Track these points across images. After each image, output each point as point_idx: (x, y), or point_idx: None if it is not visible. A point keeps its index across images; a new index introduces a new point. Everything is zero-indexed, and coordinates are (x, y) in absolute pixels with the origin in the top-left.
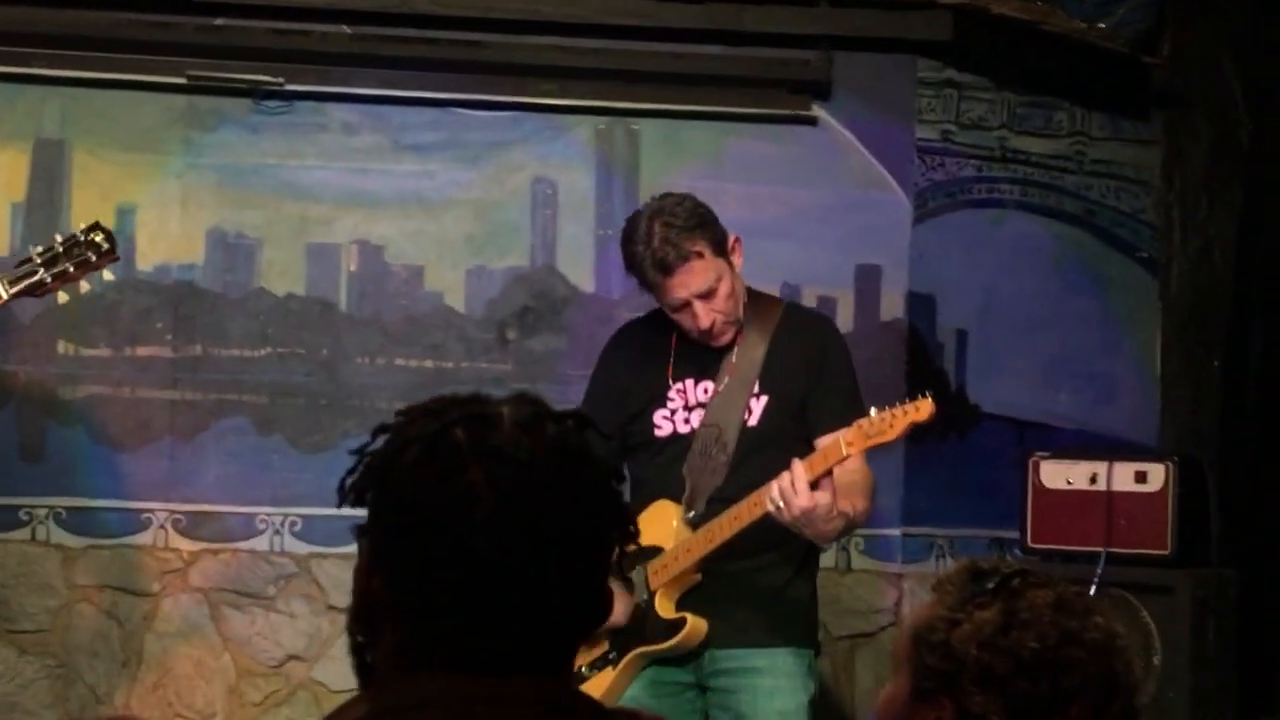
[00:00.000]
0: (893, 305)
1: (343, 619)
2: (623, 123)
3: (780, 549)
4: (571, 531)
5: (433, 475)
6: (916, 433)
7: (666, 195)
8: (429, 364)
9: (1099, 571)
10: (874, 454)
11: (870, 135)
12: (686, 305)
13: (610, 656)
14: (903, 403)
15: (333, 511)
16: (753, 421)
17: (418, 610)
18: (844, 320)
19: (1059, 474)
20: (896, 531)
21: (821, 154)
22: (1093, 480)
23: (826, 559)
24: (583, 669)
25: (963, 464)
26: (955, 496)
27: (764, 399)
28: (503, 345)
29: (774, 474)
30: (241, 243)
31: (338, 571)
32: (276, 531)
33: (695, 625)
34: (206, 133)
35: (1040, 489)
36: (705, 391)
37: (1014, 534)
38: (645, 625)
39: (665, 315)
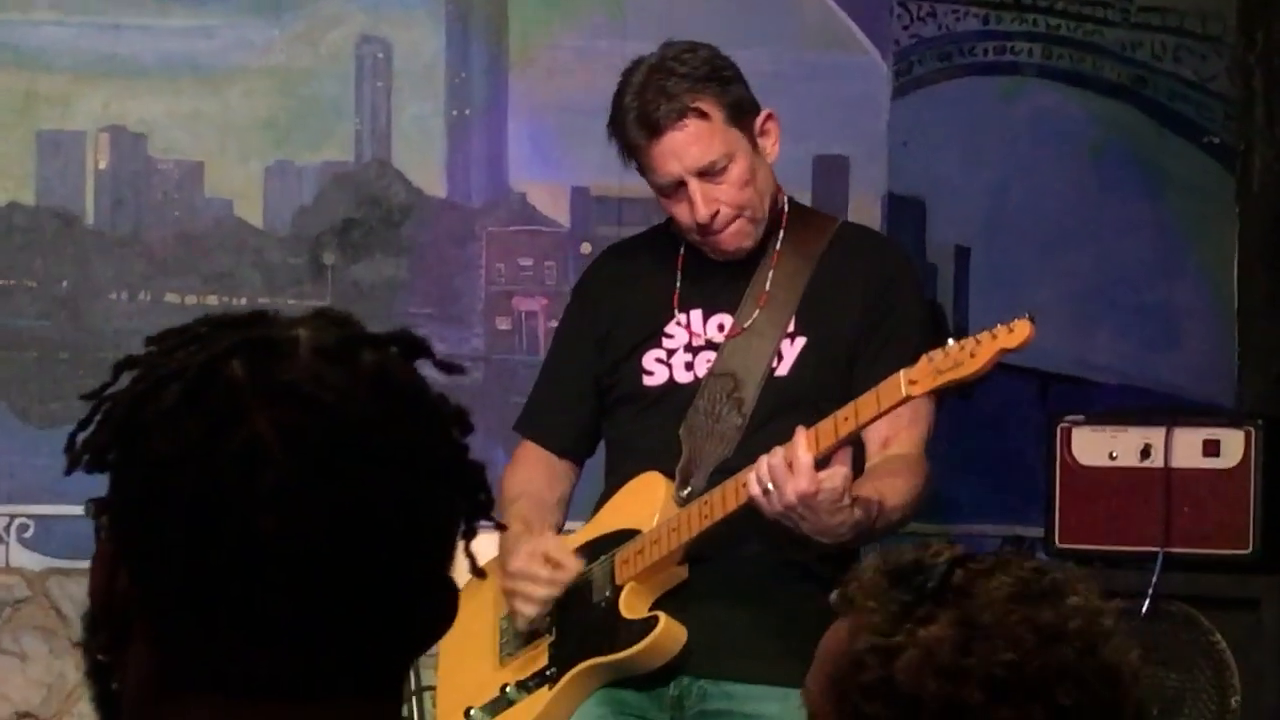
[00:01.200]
0: (866, 212)
1: None
2: None
3: (806, 540)
4: (398, 502)
5: (199, 426)
6: None
7: (677, 41)
8: (213, 300)
9: (1154, 580)
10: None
11: None
12: (680, 186)
13: (548, 673)
14: (993, 326)
15: (79, 511)
16: (783, 370)
17: (179, 614)
18: None
19: (1098, 446)
20: None
21: (763, 1)
22: (1145, 454)
23: None
24: (507, 689)
25: (967, 433)
26: (957, 478)
27: (800, 341)
28: (317, 274)
29: None
30: None
31: (86, 594)
32: (0, 539)
33: (669, 629)
34: None
35: (1072, 467)
36: (720, 328)
37: (1037, 530)
38: (601, 630)
39: (669, 231)
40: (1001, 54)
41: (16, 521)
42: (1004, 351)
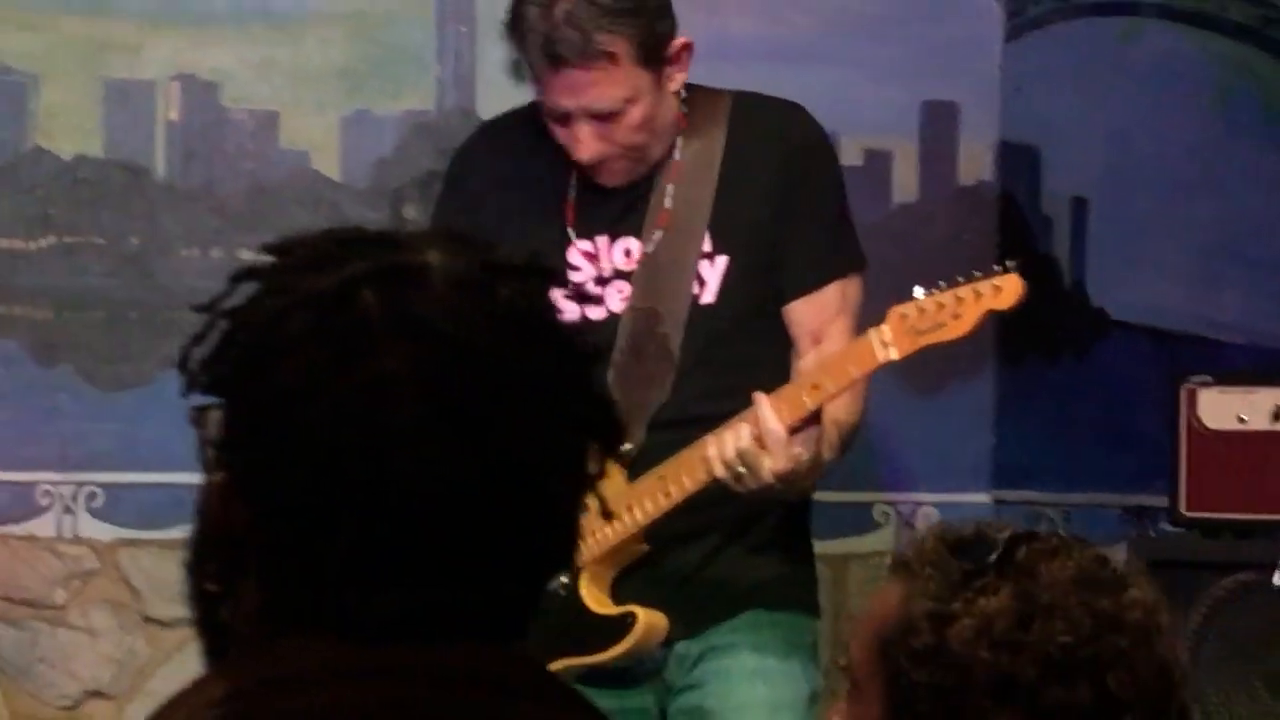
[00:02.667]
0: (977, 161)
1: (166, 635)
2: None
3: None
4: (531, 442)
5: (329, 358)
6: (1014, 351)
7: None
8: None
9: None
10: (947, 385)
11: None
12: (567, 118)
13: None
14: (971, 278)
15: (151, 478)
16: (708, 297)
17: (300, 552)
18: (904, 183)
19: (1227, 408)
20: (984, 498)
21: None
22: (1277, 416)
23: (878, 540)
24: None
25: (1082, 397)
26: (1071, 445)
27: (721, 260)
28: (399, 227)
29: (751, 379)
30: (7, 80)
31: (159, 567)
32: (67, 509)
33: (649, 623)
34: None
35: (1199, 430)
36: (627, 254)
37: (1160, 499)
38: (566, 627)
39: (540, 115)
40: None
41: (85, 490)
42: (990, 313)
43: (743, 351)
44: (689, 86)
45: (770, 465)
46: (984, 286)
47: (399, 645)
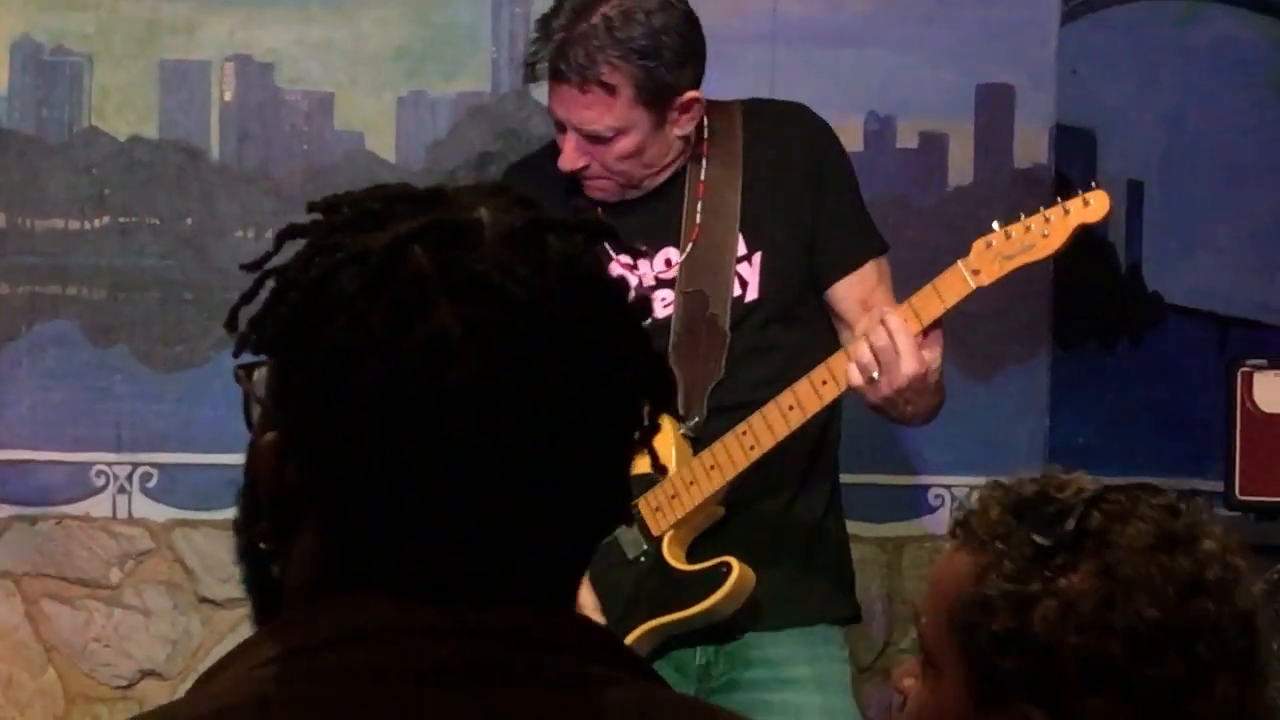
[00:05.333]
0: (1032, 144)
1: (220, 615)
2: None
3: (806, 470)
4: (586, 400)
5: (382, 317)
6: (1070, 336)
7: None
8: None
9: None
10: (1003, 370)
11: None
12: (560, 127)
13: None
14: (1054, 203)
15: (205, 459)
16: (751, 295)
17: (355, 511)
18: (960, 166)
19: None
20: None
21: None
22: None
23: (933, 523)
24: None
25: (1137, 381)
26: (1126, 428)
27: (758, 257)
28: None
29: (802, 364)
30: (63, 60)
31: (213, 547)
32: (122, 489)
33: (742, 574)
34: None
35: (1254, 414)
36: (668, 263)
37: (1216, 483)
38: (652, 588)
39: None
40: None
41: (140, 470)
42: (1083, 228)
43: (792, 338)
44: (716, 114)
45: (905, 367)
46: (1072, 204)
47: (457, 604)
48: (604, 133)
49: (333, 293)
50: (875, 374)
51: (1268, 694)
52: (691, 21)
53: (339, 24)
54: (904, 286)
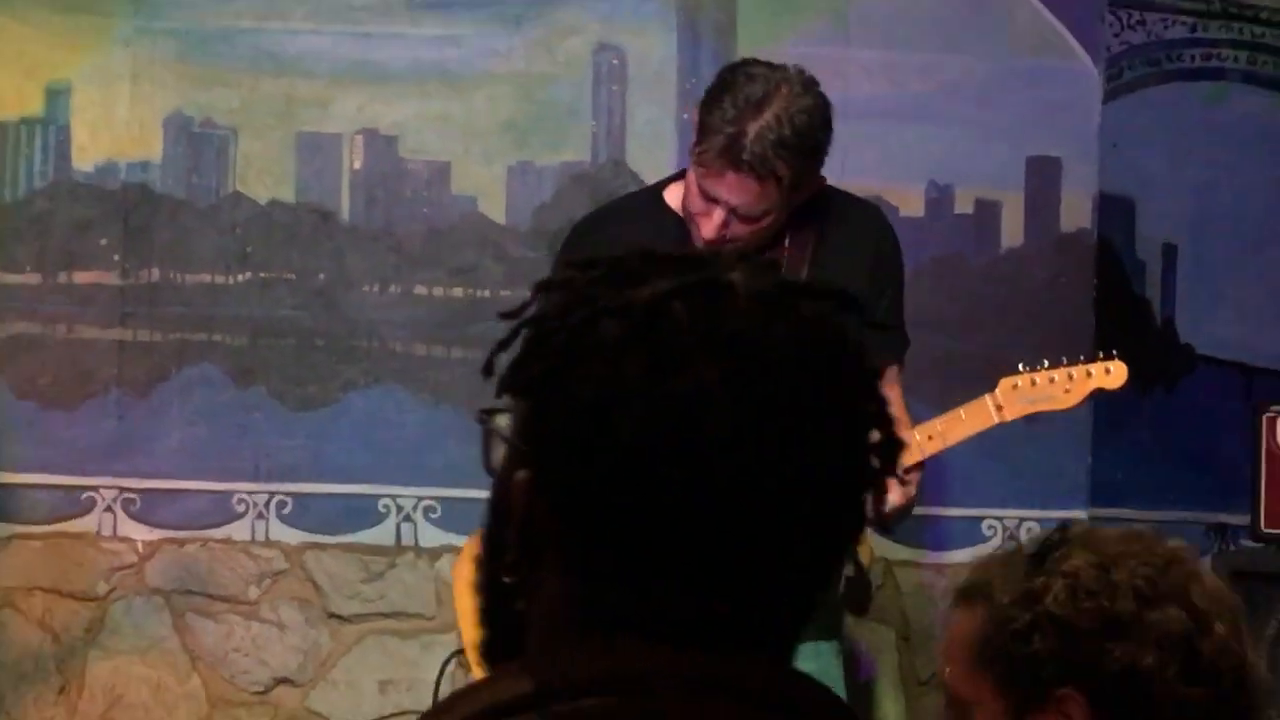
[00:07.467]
0: (1077, 211)
1: (346, 629)
2: None
3: None
4: (832, 454)
5: (642, 366)
6: None
7: (808, 80)
8: (458, 292)
9: None
10: (1050, 413)
11: None
12: (713, 206)
13: None
14: (1079, 360)
15: (334, 488)
16: None
17: (608, 553)
18: (1011, 231)
19: None
20: (1082, 514)
21: (981, 10)
22: None
23: (986, 551)
24: None
25: (1171, 424)
26: (1161, 467)
27: None
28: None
29: None
30: (210, 133)
31: (340, 567)
32: (259, 515)
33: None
34: None
35: (1277, 454)
36: None
37: (1242, 517)
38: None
39: (660, 206)
40: (1208, 60)
41: (275, 498)
42: (1098, 392)
43: None
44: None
45: (891, 499)
46: (1095, 369)
47: (700, 651)
48: (760, 214)
49: (591, 341)
50: None
51: (1265, 633)
52: (830, 113)
53: (455, 101)
54: (963, 336)
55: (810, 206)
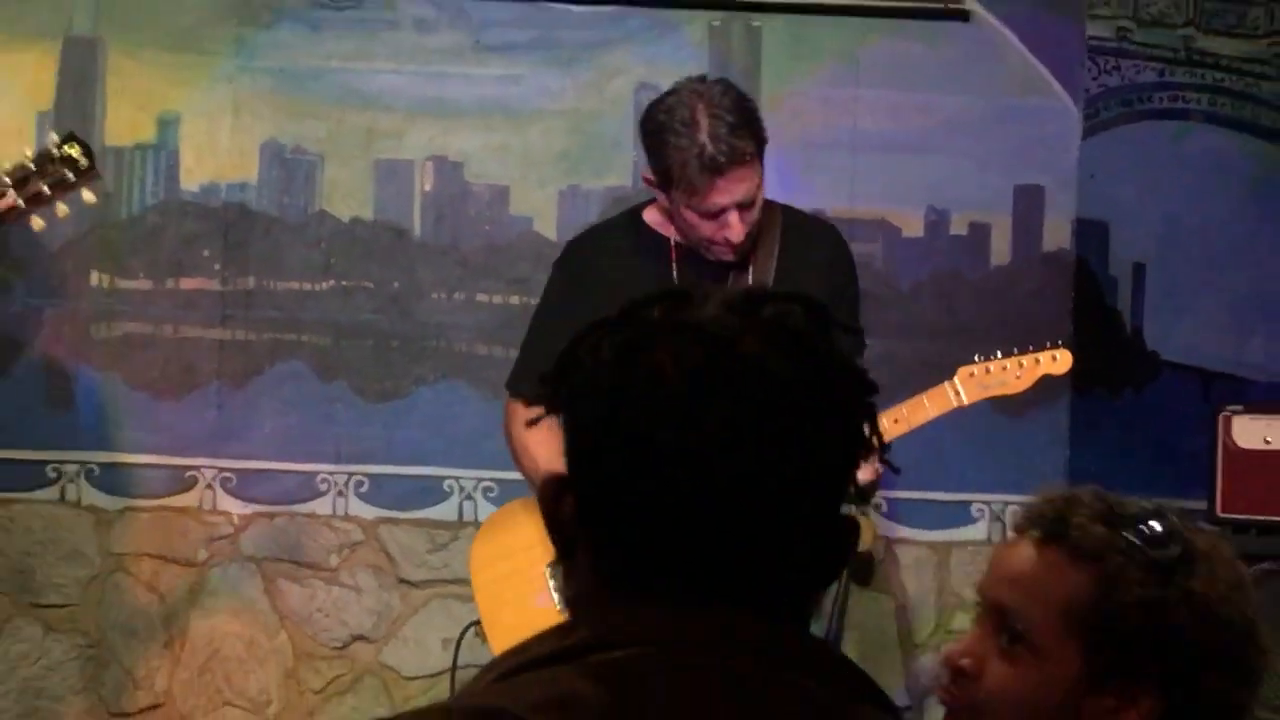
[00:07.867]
0: (1058, 233)
1: (415, 594)
2: (741, 19)
3: None
4: (788, 437)
5: (614, 354)
6: (1085, 385)
7: (701, 78)
8: (515, 300)
9: None
10: (1032, 410)
11: (1032, 33)
12: (722, 213)
13: None
14: (1029, 349)
15: (405, 470)
16: None
17: (618, 550)
18: (999, 250)
19: (1255, 432)
20: None
21: (975, 55)
22: None
23: (974, 531)
24: None
25: (1138, 422)
26: (1129, 460)
27: None
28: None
29: None
30: (300, 159)
31: (410, 539)
32: (340, 493)
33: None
34: (261, 30)
35: (1232, 449)
36: None
37: (1200, 503)
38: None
39: (640, 225)
40: (1175, 102)
41: (354, 478)
42: (1046, 377)
43: None
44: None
45: (861, 475)
46: (1044, 356)
47: (722, 613)
48: (755, 194)
49: (589, 347)
50: None
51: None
52: (733, 82)
53: (514, 133)
54: (958, 342)
55: (772, 225)
